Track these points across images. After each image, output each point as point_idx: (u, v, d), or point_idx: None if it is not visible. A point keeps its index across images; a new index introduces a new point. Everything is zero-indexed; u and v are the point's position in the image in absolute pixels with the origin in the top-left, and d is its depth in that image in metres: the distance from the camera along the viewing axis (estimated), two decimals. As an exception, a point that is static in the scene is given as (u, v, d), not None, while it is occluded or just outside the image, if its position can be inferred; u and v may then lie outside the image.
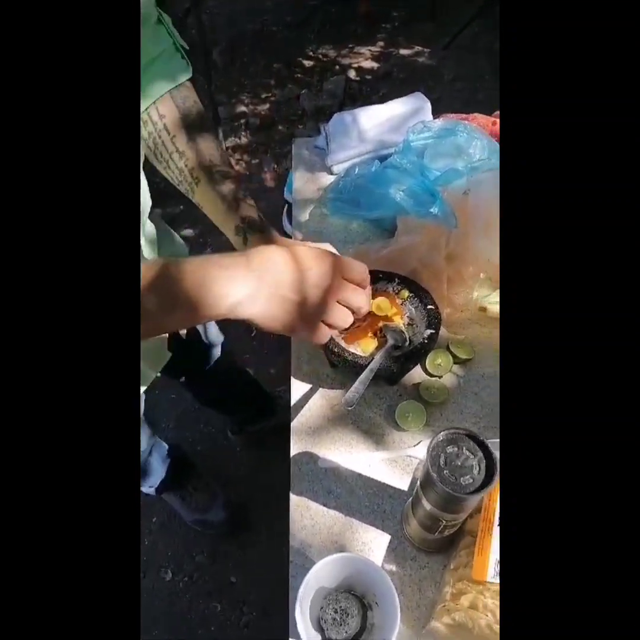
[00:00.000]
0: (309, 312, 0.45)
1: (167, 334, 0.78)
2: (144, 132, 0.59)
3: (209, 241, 1.87)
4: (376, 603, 0.49)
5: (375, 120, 0.93)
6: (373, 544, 0.57)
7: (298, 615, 0.44)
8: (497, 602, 0.43)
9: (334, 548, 0.56)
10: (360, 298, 0.49)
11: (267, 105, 2.47)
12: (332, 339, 0.63)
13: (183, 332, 0.88)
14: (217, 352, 1.07)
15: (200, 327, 1.00)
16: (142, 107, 0.57)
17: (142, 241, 0.63)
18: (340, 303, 0.48)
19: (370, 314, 0.66)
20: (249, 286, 0.42)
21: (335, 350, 0.62)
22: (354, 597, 0.49)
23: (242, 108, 2.47)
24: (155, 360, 0.77)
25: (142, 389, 0.77)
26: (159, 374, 0.80)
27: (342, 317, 0.49)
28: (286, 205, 1.19)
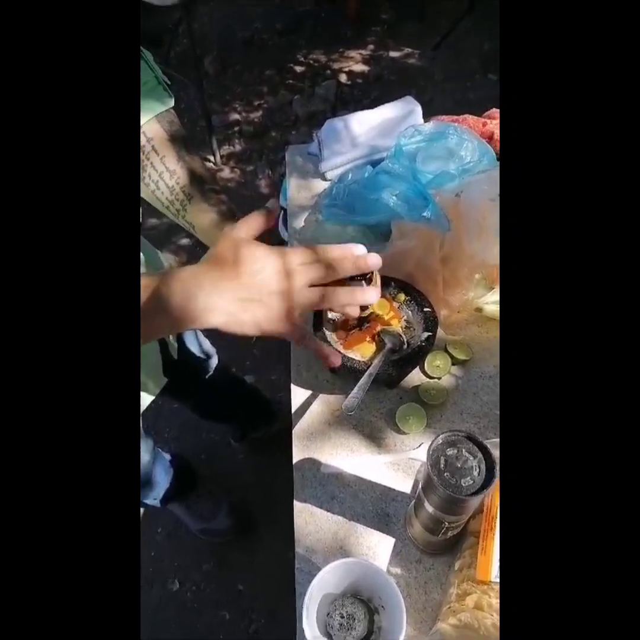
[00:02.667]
0: (272, 310, 0.45)
1: (161, 361, 0.80)
2: None
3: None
4: (382, 606, 0.49)
5: (367, 125, 0.94)
6: (378, 547, 0.57)
7: (305, 622, 0.44)
8: (502, 602, 0.43)
9: (339, 553, 0.57)
10: (326, 271, 0.47)
11: (260, 112, 2.48)
12: (330, 344, 0.63)
13: (174, 347, 0.88)
14: (214, 361, 1.08)
15: (194, 341, 1.01)
16: None
17: None
18: (314, 285, 0.47)
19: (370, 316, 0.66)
20: (208, 297, 0.43)
21: (334, 356, 0.62)
22: (360, 602, 0.49)
23: (235, 116, 2.48)
24: (153, 384, 0.78)
25: (140, 410, 0.79)
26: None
27: (320, 297, 0.47)
28: (282, 212, 1.20)
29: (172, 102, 0.62)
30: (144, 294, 0.42)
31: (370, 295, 0.50)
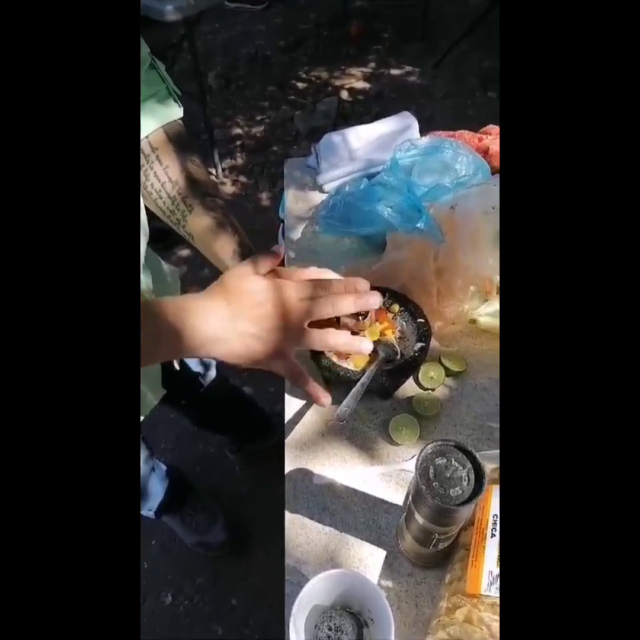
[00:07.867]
0: (270, 345, 0.46)
1: (160, 373, 0.80)
2: None
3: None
4: (371, 620, 0.48)
5: (364, 139, 0.95)
6: (369, 560, 0.56)
7: (292, 633, 0.44)
8: (492, 615, 0.43)
9: (330, 565, 0.56)
10: (326, 308, 0.48)
11: (262, 127, 2.52)
12: (323, 354, 0.64)
13: (176, 363, 0.89)
14: (212, 373, 1.08)
15: None
16: None
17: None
18: (314, 324, 0.49)
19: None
20: (210, 328, 0.44)
21: (327, 365, 0.63)
22: (349, 615, 0.49)
23: (238, 130, 2.51)
24: (152, 395, 0.79)
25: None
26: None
27: (317, 339, 0.49)
28: (281, 224, 1.21)
29: (180, 113, 0.62)
30: (150, 321, 0.42)
31: (365, 345, 0.53)
